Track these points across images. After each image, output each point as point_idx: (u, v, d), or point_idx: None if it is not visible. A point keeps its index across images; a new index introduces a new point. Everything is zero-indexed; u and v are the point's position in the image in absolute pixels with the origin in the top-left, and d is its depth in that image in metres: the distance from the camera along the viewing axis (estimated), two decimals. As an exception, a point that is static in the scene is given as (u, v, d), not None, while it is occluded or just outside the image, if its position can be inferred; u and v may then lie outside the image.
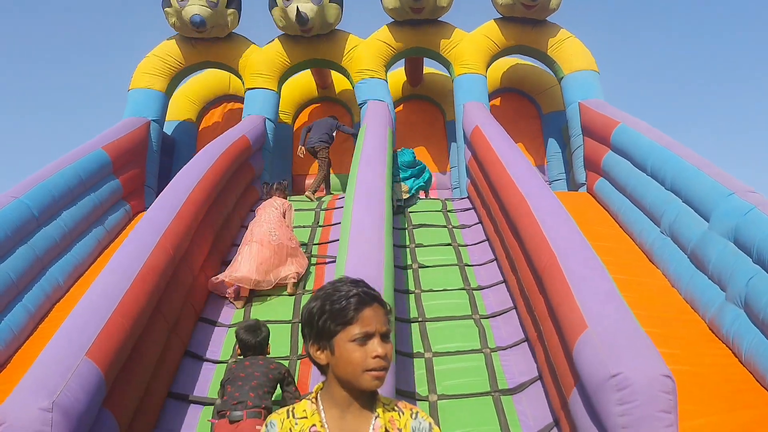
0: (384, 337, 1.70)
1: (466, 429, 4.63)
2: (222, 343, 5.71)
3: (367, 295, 1.71)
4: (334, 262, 6.35)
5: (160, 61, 9.72)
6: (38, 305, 5.82)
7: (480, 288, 6.46)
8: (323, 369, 1.77)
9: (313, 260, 6.98)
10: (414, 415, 1.79)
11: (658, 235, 6.51)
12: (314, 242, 7.47)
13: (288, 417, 1.75)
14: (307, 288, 6.48)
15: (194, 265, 5.99)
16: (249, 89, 9.88)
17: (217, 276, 6.22)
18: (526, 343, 5.51)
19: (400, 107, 12.00)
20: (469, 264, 6.96)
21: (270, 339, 4.62)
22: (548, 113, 11.32)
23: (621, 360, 3.55)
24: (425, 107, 12.02)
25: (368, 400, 1.76)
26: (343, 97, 11.78)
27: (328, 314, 1.70)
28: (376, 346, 1.68)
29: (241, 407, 4.02)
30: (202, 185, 6.52)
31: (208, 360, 5.45)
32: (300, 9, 9.26)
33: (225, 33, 9.82)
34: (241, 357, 4.50)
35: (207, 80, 11.47)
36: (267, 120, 9.56)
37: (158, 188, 9.09)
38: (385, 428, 1.74)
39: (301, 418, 1.74)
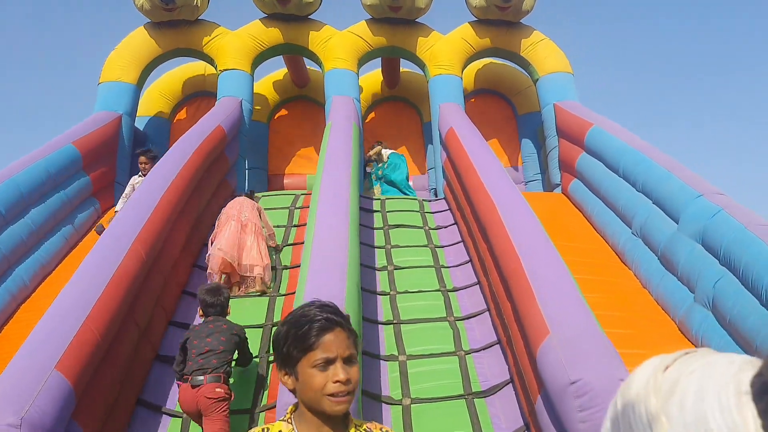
0: (347, 362, 1.69)
1: (439, 433, 4.62)
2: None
3: (329, 321, 1.70)
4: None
5: (130, 52, 9.51)
6: (3, 305, 5.70)
7: (455, 289, 6.46)
8: (293, 393, 1.76)
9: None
10: None
11: (629, 236, 6.60)
12: (288, 242, 7.41)
13: None
14: (281, 291, 6.41)
15: (166, 267, 5.88)
16: (223, 71, 9.71)
17: (208, 256, 6.25)
18: (498, 345, 5.52)
19: (378, 108, 11.98)
20: (445, 266, 6.96)
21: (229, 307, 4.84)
22: (524, 114, 11.39)
23: (581, 366, 3.58)
24: (402, 109, 12.01)
25: (340, 422, 1.75)
26: (320, 96, 11.70)
27: (291, 340, 1.69)
28: (337, 370, 1.67)
29: (201, 373, 4.28)
30: (175, 185, 6.38)
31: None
32: None
33: (194, 16, 9.65)
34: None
35: (181, 75, 11.29)
36: (243, 101, 9.41)
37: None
38: None
39: None
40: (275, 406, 4.64)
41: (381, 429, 1.82)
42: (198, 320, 5.33)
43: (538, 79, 9.94)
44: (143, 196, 5.97)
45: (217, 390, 4.27)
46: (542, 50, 9.94)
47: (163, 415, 4.83)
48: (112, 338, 4.48)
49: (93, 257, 4.95)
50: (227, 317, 4.78)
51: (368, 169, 10.18)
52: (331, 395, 1.66)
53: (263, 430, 1.75)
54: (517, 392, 4.82)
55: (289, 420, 1.75)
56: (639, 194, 6.64)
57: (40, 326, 4.14)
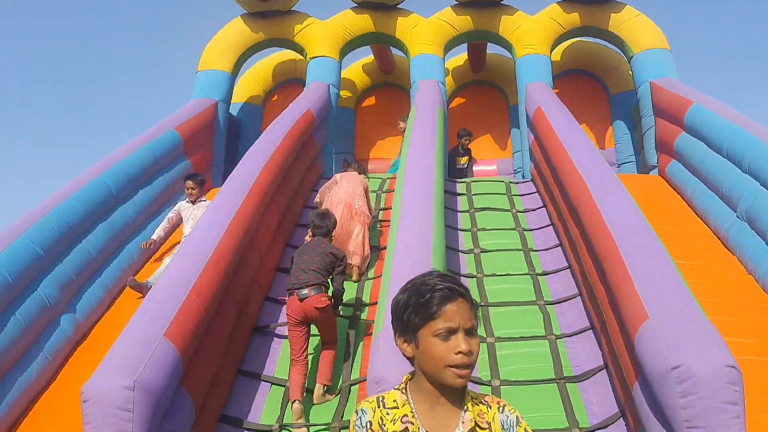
0: (469, 333, 1.69)
1: (531, 415, 4.55)
2: (288, 322, 5.83)
3: (452, 291, 1.70)
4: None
5: (226, 42, 9.91)
6: (115, 281, 6.09)
7: (545, 273, 6.35)
8: (411, 361, 1.77)
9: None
10: (501, 409, 1.78)
11: (734, 221, 6.26)
12: (377, 228, 7.51)
13: (379, 406, 1.74)
14: (369, 276, 6.53)
15: (261, 246, 6.12)
16: (312, 58, 9.96)
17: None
18: (591, 330, 5.41)
19: (463, 93, 11.88)
20: (534, 249, 6.86)
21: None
22: (616, 94, 10.97)
23: (682, 351, 3.45)
24: (488, 93, 11.85)
25: (457, 393, 1.75)
26: (406, 83, 11.71)
27: (412, 308, 1.69)
28: (459, 341, 1.67)
29: (305, 287, 4.92)
30: (269, 167, 6.63)
31: (277, 335, 5.60)
32: None
33: (287, 7, 9.96)
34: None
35: (273, 63, 11.63)
36: (331, 86, 9.63)
37: (224, 169, 9.36)
38: (475, 422, 1.73)
39: (392, 408, 1.74)
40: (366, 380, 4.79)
41: (499, 403, 1.80)
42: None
43: (632, 57, 9.54)
44: (239, 177, 6.23)
45: (323, 299, 4.94)
46: (636, 26, 9.51)
47: (262, 383, 5.07)
48: (214, 311, 4.74)
49: (195, 236, 5.23)
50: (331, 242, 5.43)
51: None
52: (454, 366, 1.66)
53: (378, 398, 1.77)
54: (612, 378, 4.72)
55: (404, 390, 1.77)
56: (745, 175, 6.27)
57: (149, 298, 4.43)
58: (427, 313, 1.68)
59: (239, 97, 11.03)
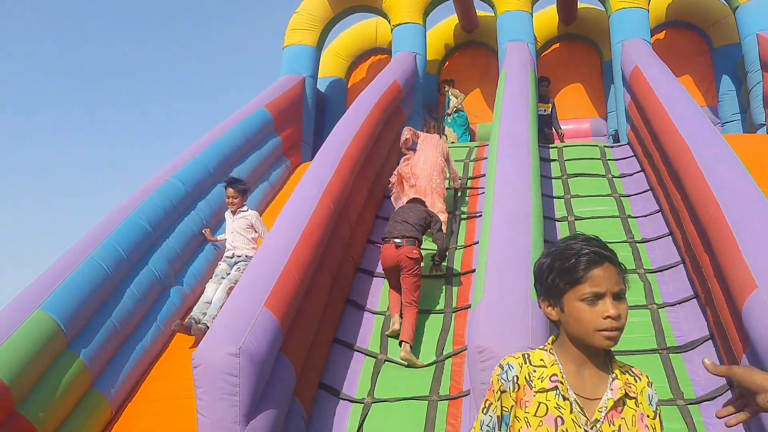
0: (617, 297, 1.66)
1: (633, 386, 4.48)
2: (379, 293, 5.94)
3: (597, 255, 1.67)
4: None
5: (309, 15, 9.95)
6: (215, 255, 6.39)
7: (644, 241, 6.12)
8: (555, 324, 1.77)
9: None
10: (650, 384, 1.77)
11: None
12: (467, 193, 7.46)
13: (525, 363, 1.74)
14: (459, 243, 6.51)
15: (352, 217, 6.23)
16: (396, 26, 9.88)
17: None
18: (695, 300, 5.18)
19: (552, 48, 11.43)
20: (632, 216, 6.61)
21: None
22: (720, 47, 10.23)
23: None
24: (580, 47, 11.33)
25: (603, 359, 1.74)
26: (490, 40, 11.40)
27: (557, 272, 1.69)
28: (607, 306, 1.65)
29: (400, 237, 5.40)
30: (358, 139, 6.71)
31: (368, 310, 5.71)
32: None
33: None
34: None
35: (354, 35, 11.61)
36: (417, 56, 9.56)
37: (313, 143, 9.53)
38: (624, 391, 1.72)
39: (539, 366, 1.73)
40: (464, 351, 4.82)
41: (648, 378, 1.78)
42: None
43: (737, 7, 8.85)
44: (329, 150, 6.34)
45: (414, 251, 5.35)
46: (745, -28, 8.81)
47: (356, 354, 5.20)
48: (309, 281, 4.89)
49: (289, 209, 5.39)
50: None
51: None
52: (602, 330, 1.65)
53: (524, 355, 1.76)
54: (719, 349, 4.52)
55: (551, 351, 1.76)
56: None
57: (249, 270, 4.63)
58: (572, 278, 1.66)
59: (322, 71, 11.10)
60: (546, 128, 9.69)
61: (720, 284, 4.29)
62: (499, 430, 1.72)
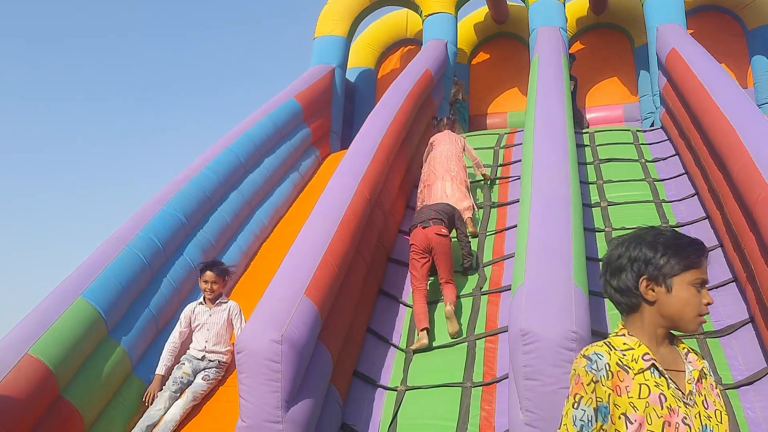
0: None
1: (670, 371, 4.43)
2: (410, 283, 5.91)
3: (705, 247, 1.82)
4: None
5: (340, 6, 9.97)
6: (249, 245, 6.46)
7: (680, 225, 6.01)
8: (634, 307, 1.81)
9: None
10: (706, 365, 1.87)
11: None
12: (495, 183, 7.42)
13: (611, 350, 1.76)
14: (489, 229, 6.48)
15: (385, 206, 6.26)
16: (428, 16, 9.84)
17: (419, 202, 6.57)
18: (734, 283, 5.10)
19: (584, 36, 11.29)
20: (667, 200, 6.50)
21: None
22: (754, 29, 9.98)
23: None
24: (611, 35, 11.15)
25: (672, 339, 1.85)
26: (521, 32, 11.32)
27: (673, 254, 1.76)
28: (708, 295, 1.78)
29: (428, 220, 5.54)
30: (392, 129, 6.74)
31: (401, 303, 5.70)
32: None
33: None
34: None
35: (384, 26, 11.60)
36: (448, 44, 9.52)
37: (342, 133, 9.56)
38: (699, 369, 1.83)
39: (627, 349, 1.77)
40: (498, 333, 4.82)
41: (703, 358, 1.89)
42: None
43: (772, -14, 8.63)
44: (364, 141, 6.36)
45: (443, 229, 5.51)
46: (778, -49, 8.57)
47: (390, 348, 5.20)
48: (346, 271, 4.92)
49: (326, 199, 5.42)
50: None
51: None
52: (701, 315, 1.77)
53: (606, 343, 1.79)
54: (759, 332, 4.44)
55: (629, 334, 1.81)
56: None
57: (288, 259, 4.67)
58: (689, 262, 1.76)
59: (352, 62, 11.11)
60: None
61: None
62: (596, 422, 1.70)
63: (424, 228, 5.47)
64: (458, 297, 5.46)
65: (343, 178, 5.70)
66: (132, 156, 24.68)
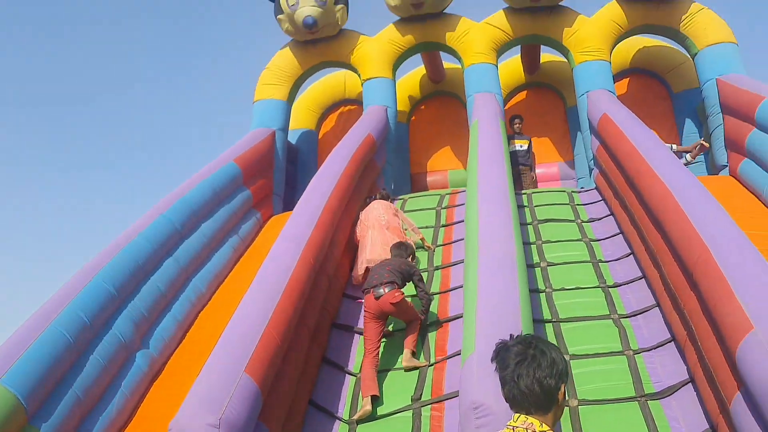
0: None
1: (614, 436, 4.41)
2: (356, 350, 5.80)
3: None
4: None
5: (279, 71, 10.08)
6: (185, 314, 6.22)
7: (617, 285, 6.13)
8: (550, 406, 2.09)
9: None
10: None
11: (819, 220, 5.89)
12: (438, 243, 7.43)
13: None
14: (433, 290, 6.45)
15: (330, 271, 6.16)
16: (366, 80, 10.01)
17: (356, 269, 6.55)
18: (672, 342, 5.17)
19: (519, 96, 11.68)
20: (603, 260, 6.64)
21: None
22: (679, 92, 10.55)
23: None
24: (544, 94, 11.58)
25: None
26: (457, 90, 11.62)
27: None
28: None
29: (380, 285, 5.33)
30: (336, 191, 6.73)
31: (346, 372, 5.55)
32: None
33: (336, 31, 10.01)
34: None
35: (323, 87, 11.74)
36: (388, 109, 9.67)
37: (284, 195, 9.48)
38: None
39: None
40: (444, 400, 4.78)
41: None
42: None
43: (696, 53, 9.16)
44: (308, 205, 6.29)
45: (396, 295, 5.31)
46: (701, 21, 9.11)
47: (336, 421, 5.00)
48: (289, 342, 4.76)
49: (268, 266, 5.28)
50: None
51: None
52: None
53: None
54: (700, 393, 4.48)
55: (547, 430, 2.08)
56: (827, 172, 5.92)
57: (228, 332, 4.48)
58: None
59: (293, 123, 11.14)
60: (522, 164, 9.79)
61: (710, 325, 4.26)
62: None
63: (377, 298, 5.31)
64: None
65: (286, 244, 5.59)
66: (63, 229, 23.67)
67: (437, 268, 6.88)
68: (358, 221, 6.97)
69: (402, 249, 5.91)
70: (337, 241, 6.54)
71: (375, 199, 7.24)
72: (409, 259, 5.89)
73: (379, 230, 6.61)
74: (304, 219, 6.01)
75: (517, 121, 10.02)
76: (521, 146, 9.88)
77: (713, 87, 8.71)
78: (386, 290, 5.30)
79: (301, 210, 6.26)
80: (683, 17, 9.23)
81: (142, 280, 5.87)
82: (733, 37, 9.05)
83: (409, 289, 5.76)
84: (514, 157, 9.72)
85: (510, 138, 9.85)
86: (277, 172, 9.33)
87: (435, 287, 6.53)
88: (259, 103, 9.86)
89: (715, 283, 4.16)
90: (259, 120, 9.63)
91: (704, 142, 8.69)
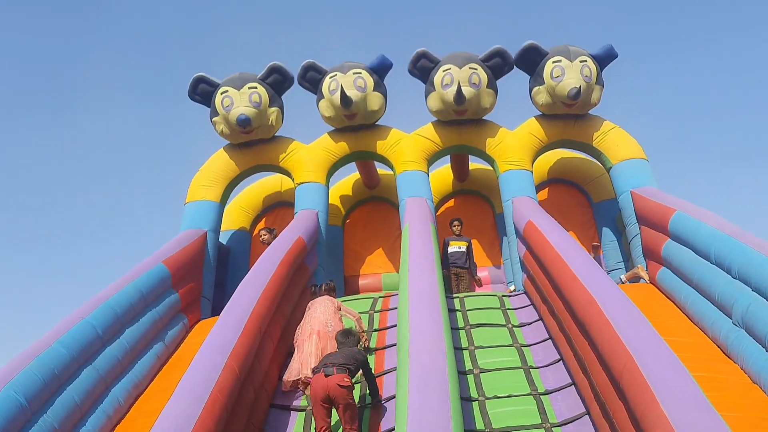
0: None
1: None
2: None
3: None
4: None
5: (213, 172, 10.12)
6: (100, 428, 5.80)
7: (547, 392, 6.16)
8: None
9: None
10: None
11: (731, 327, 6.20)
12: (371, 347, 7.34)
13: None
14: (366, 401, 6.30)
15: (256, 380, 5.93)
16: (299, 185, 10.13)
17: (288, 374, 6.42)
18: (604, 450, 5.18)
19: (450, 202, 12.07)
20: (534, 366, 6.70)
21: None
22: (599, 202, 11.20)
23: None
24: (474, 201, 12.04)
25: None
26: (391, 196, 11.91)
27: None
28: None
29: (331, 366, 5.47)
30: (264, 297, 6.57)
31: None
32: (345, 92, 9.63)
33: (270, 134, 10.22)
34: None
35: (260, 189, 11.82)
36: (319, 213, 9.75)
37: (214, 297, 9.25)
38: None
39: None
40: None
41: None
42: None
43: (611, 167, 9.84)
44: (235, 311, 6.12)
45: (345, 379, 5.38)
46: (613, 139, 9.88)
47: None
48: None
49: (192, 376, 5.05)
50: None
51: None
52: None
53: None
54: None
55: None
56: (736, 281, 6.28)
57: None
58: None
59: (226, 224, 11.10)
60: (460, 266, 9.91)
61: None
62: None
63: (327, 375, 5.40)
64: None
65: (211, 353, 5.38)
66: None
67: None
68: (302, 321, 6.85)
69: (350, 338, 6.08)
70: (265, 349, 6.35)
71: (321, 292, 7.20)
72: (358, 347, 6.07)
73: (324, 340, 6.48)
74: (230, 326, 5.83)
75: (456, 223, 10.30)
76: (459, 248, 10.07)
77: (628, 199, 9.29)
78: (337, 371, 5.43)
79: (227, 316, 6.08)
80: (596, 134, 9.97)
81: (56, 390, 5.49)
82: (644, 153, 9.79)
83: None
84: (452, 258, 9.93)
85: (449, 240, 10.10)
86: (207, 274, 9.14)
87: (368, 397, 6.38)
88: (192, 204, 9.80)
89: (640, 393, 4.25)
90: (190, 221, 9.52)
91: (641, 271, 8.77)
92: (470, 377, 6.56)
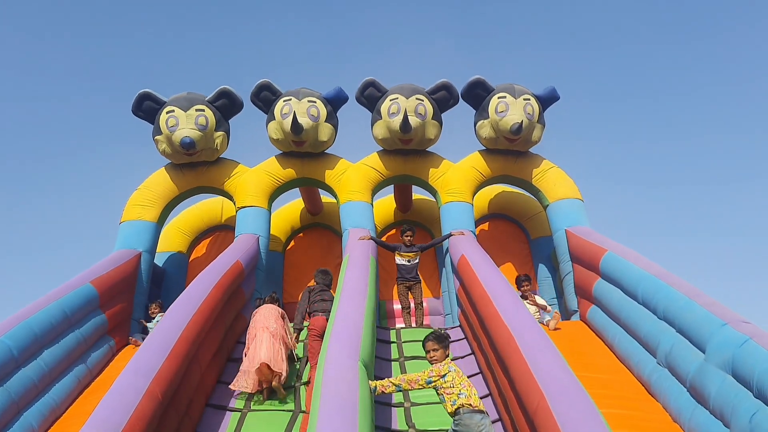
0: None
1: None
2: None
3: None
4: None
5: (151, 192, 9.89)
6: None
7: (477, 428, 6.15)
8: None
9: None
10: None
11: (655, 367, 6.37)
12: (303, 380, 7.19)
13: None
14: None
15: (181, 408, 5.73)
16: (240, 208, 10.00)
17: (246, 364, 6.67)
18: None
19: (392, 232, 12.10)
20: (464, 400, 6.69)
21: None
22: (536, 238, 11.42)
23: None
24: (417, 233, 12.07)
25: None
26: (334, 223, 11.88)
27: None
28: None
29: (325, 312, 7.31)
30: (195, 320, 6.38)
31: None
32: (297, 118, 9.58)
33: (214, 157, 10.07)
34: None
35: (199, 212, 11.61)
36: (260, 238, 9.62)
37: (146, 320, 8.95)
38: None
39: None
40: None
41: None
42: None
43: (548, 205, 10.08)
44: (163, 334, 5.93)
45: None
46: (551, 178, 10.14)
47: None
48: None
49: (109, 401, 4.84)
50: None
51: None
52: None
53: None
54: None
55: None
56: (661, 322, 6.48)
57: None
58: None
59: (163, 246, 10.85)
60: (410, 280, 9.40)
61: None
62: None
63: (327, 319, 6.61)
64: None
65: (131, 378, 5.17)
66: None
67: (303, 412, 6.60)
68: (249, 326, 7.13)
69: (327, 276, 8.00)
70: (192, 375, 6.16)
71: (265, 302, 7.44)
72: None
73: (269, 336, 6.85)
74: (155, 349, 5.63)
75: (408, 232, 9.49)
76: (409, 261, 9.42)
77: (563, 237, 9.52)
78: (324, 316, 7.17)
79: (153, 338, 5.87)
80: (536, 172, 10.22)
81: (-40, 415, 5.19)
82: (579, 194, 10.08)
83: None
84: (403, 271, 9.41)
85: (399, 250, 9.48)
86: (139, 295, 8.87)
87: (296, 430, 6.24)
88: (127, 223, 9.54)
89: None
90: (124, 241, 9.25)
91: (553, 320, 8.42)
92: (400, 410, 6.52)
